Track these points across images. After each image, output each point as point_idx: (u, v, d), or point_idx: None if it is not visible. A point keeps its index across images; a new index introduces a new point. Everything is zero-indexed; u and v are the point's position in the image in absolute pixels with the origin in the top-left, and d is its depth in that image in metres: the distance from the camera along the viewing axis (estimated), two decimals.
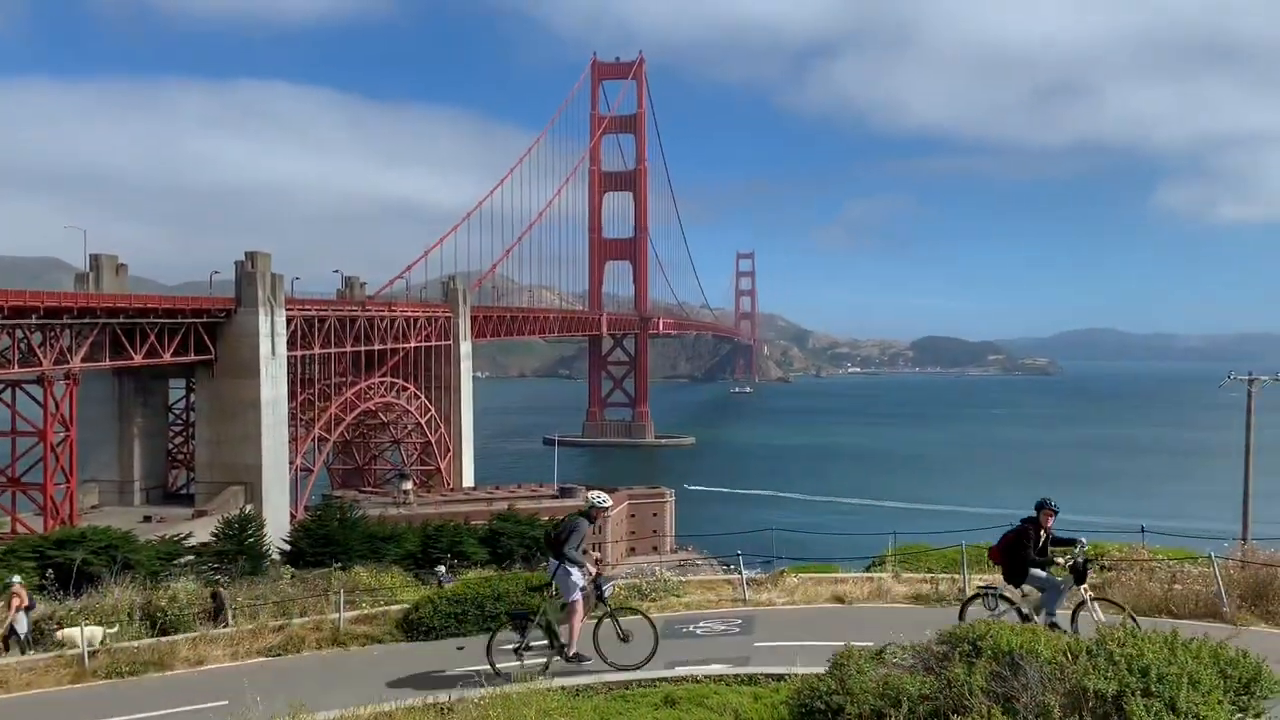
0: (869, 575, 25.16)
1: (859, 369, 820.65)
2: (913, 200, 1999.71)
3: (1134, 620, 15.23)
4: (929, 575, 23.94)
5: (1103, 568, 23.60)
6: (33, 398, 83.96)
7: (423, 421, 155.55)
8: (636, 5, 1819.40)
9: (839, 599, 22.94)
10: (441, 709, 14.36)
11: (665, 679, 16.28)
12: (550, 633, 17.01)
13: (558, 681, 15.64)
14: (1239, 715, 9.92)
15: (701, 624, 21.13)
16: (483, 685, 15.16)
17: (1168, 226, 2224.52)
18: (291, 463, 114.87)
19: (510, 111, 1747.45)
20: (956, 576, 22.71)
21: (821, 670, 12.89)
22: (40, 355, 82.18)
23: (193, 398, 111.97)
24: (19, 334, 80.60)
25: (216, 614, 25.05)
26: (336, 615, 22.41)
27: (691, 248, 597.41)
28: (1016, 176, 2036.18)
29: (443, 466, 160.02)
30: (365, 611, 23.89)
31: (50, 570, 34.23)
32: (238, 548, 49.12)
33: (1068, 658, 10.43)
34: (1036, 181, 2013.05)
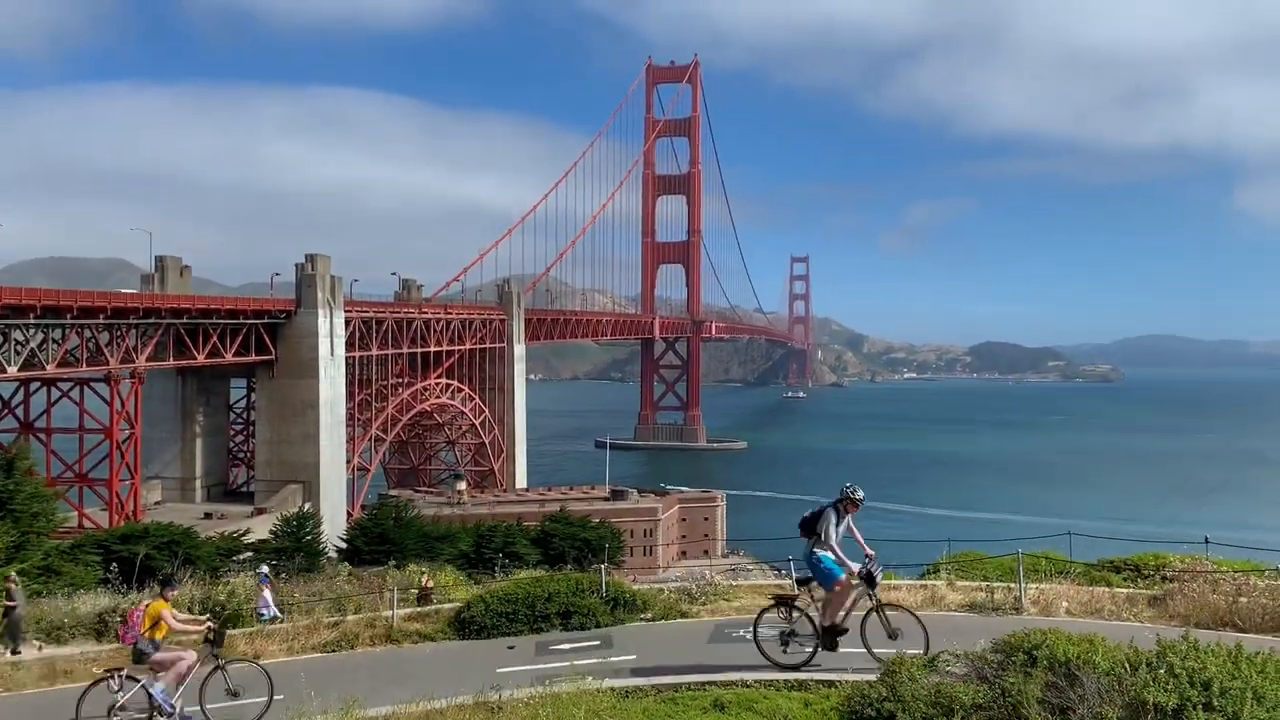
0: (922, 582, 24.82)
1: (915, 374, 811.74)
2: (974, 204, 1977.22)
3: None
4: (984, 583, 23.56)
5: (1164, 578, 23.07)
6: (99, 396, 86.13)
7: (477, 423, 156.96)
8: (725, 9, 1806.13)
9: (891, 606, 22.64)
10: (492, 708, 14.45)
11: (714, 683, 16.22)
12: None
13: (608, 683, 15.66)
14: None
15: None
16: (532, 685, 15.24)
17: (1246, 229, 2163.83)
18: (349, 462, 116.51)
19: (587, 118, 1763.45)
20: (1012, 585, 22.33)
21: (873, 677, 12.76)
22: (107, 354, 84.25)
23: (253, 397, 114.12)
24: (87, 333, 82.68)
25: (12, 635, 21.96)
26: (390, 613, 22.68)
27: (749, 252, 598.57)
28: (1094, 179, 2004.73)
29: (496, 467, 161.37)
30: (419, 609, 24.16)
31: (114, 564, 35.07)
32: (295, 545, 49.82)
33: (1126, 669, 10.21)
34: (1112, 185, 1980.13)
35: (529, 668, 18.09)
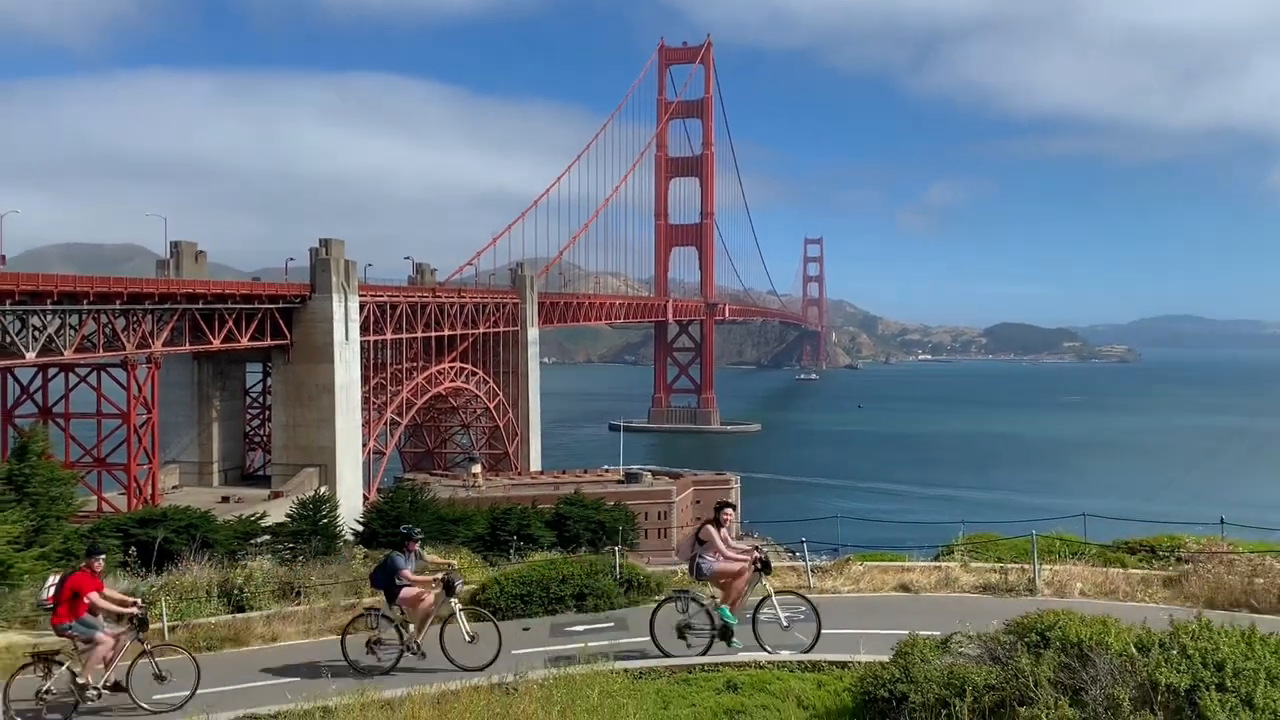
0: (936, 564, 24.84)
1: (929, 356, 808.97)
2: (994, 185, 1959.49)
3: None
4: (998, 565, 23.56)
5: (1179, 559, 23.02)
6: (116, 381, 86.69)
7: (491, 406, 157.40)
8: None
9: (905, 587, 22.72)
10: (506, 689, 14.55)
11: (728, 664, 16.30)
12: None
13: (621, 664, 15.74)
14: None
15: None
16: (546, 666, 15.34)
17: (1275, 208, 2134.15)
18: (364, 445, 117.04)
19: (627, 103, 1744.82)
20: (1026, 566, 22.33)
21: (886, 659, 12.80)
22: (123, 339, 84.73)
23: (269, 381, 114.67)
24: (103, 319, 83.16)
25: None
26: None
27: (766, 233, 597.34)
28: (1127, 159, 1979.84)
29: (510, 451, 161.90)
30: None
31: (133, 548, 35.35)
32: (312, 528, 50.03)
33: (1139, 650, 10.21)
34: (1145, 165, 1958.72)
35: (543, 649, 18.24)
